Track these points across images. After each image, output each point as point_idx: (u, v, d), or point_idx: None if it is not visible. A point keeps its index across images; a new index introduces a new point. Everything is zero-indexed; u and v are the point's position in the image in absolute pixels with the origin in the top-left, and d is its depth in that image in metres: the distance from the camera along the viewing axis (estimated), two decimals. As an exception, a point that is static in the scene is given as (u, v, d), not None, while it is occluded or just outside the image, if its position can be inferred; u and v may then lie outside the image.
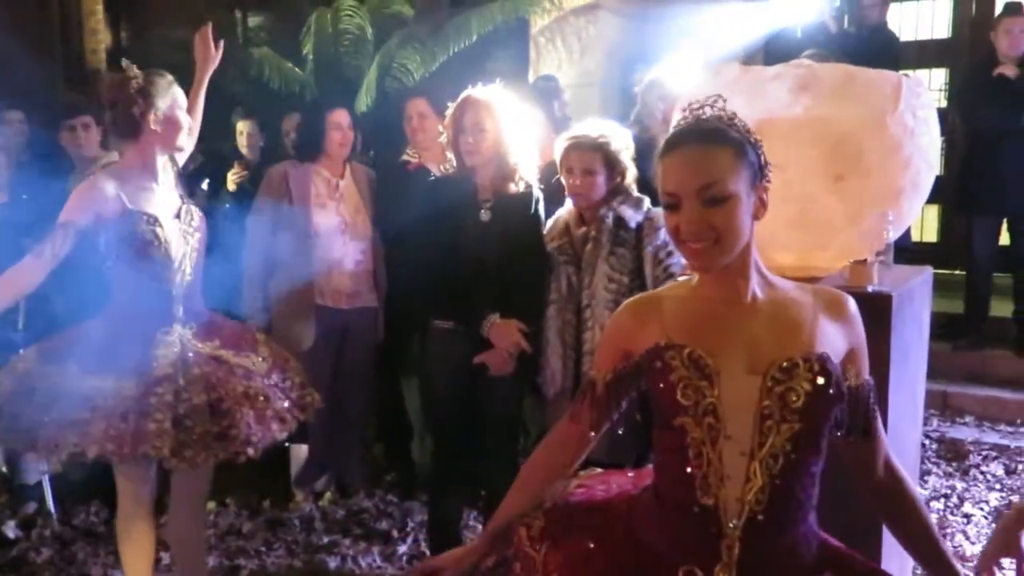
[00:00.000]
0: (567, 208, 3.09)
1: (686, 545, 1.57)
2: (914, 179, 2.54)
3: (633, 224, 2.95)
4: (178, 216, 2.80)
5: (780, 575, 1.57)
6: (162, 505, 2.99)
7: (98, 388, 2.56)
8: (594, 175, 2.94)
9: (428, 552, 3.49)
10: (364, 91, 5.39)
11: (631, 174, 3.01)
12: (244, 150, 4.97)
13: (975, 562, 2.21)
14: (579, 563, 1.63)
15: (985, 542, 1.80)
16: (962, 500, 4.03)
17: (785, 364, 1.54)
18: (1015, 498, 4.05)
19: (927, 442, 4.61)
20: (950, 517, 3.87)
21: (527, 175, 3.14)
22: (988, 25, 6.43)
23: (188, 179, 3.56)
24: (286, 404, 2.82)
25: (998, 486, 4.20)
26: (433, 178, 3.42)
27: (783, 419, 1.52)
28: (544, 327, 3.03)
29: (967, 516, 3.87)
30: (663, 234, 2.89)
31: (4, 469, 4.02)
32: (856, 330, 1.64)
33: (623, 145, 3.00)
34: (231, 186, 4.55)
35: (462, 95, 3.11)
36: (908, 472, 1.80)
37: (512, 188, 3.11)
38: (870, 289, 2.38)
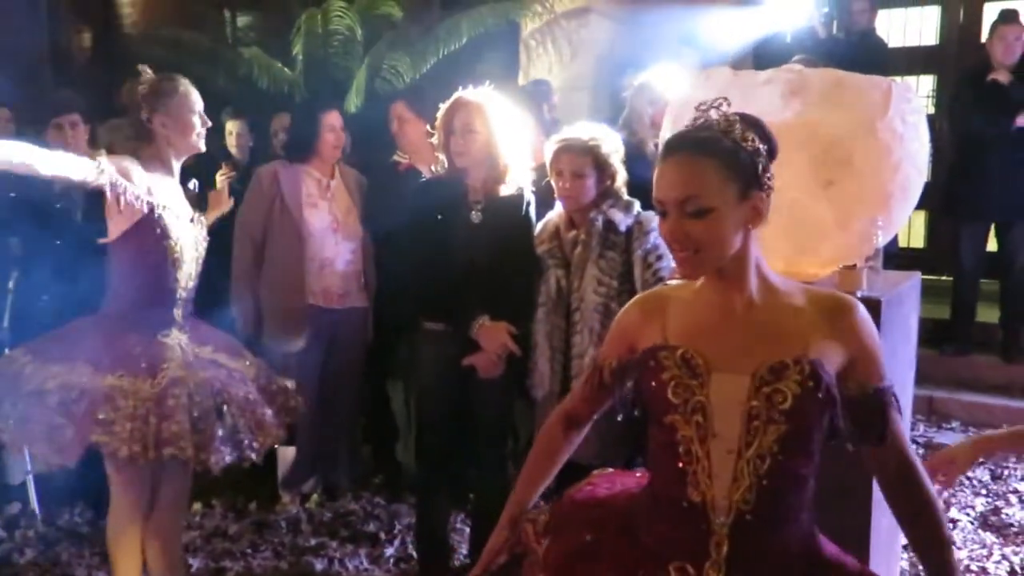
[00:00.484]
0: (557, 211, 3.09)
1: (677, 541, 1.60)
2: (903, 184, 2.55)
3: (623, 227, 2.95)
4: (192, 221, 2.83)
5: (770, 574, 1.58)
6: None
7: (117, 388, 2.55)
8: (584, 178, 2.94)
9: (415, 555, 3.48)
10: (353, 92, 5.37)
11: (621, 177, 3.01)
12: (233, 150, 4.95)
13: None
14: (576, 555, 1.69)
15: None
16: (948, 505, 4.04)
17: (774, 365, 1.55)
18: (1000, 504, 4.07)
19: (914, 447, 4.61)
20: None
21: (519, 177, 3.14)
22: (976, 32, 6.49)
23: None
24: (273, 411, 2.86)
25: (984, 491, 4.22)
26: (424, 179, 3.42)
27: (770, 420, 1.54)
28: (533, 330, 3.03)
29: (953, 521, 3.88)
30: (653, 237, 2.90)
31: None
32: (860, 336, 1.61)
33: (613, 148, 3.00)
34: (219, 187, 4.52)
35: (453, 97, 3.11)
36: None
37: (503, 190, 3.11)
38: (859, 294, 2.38)
